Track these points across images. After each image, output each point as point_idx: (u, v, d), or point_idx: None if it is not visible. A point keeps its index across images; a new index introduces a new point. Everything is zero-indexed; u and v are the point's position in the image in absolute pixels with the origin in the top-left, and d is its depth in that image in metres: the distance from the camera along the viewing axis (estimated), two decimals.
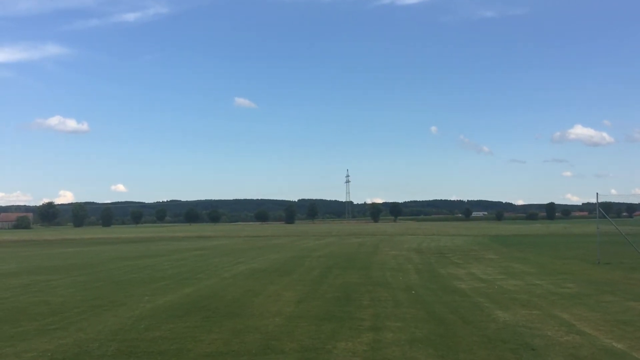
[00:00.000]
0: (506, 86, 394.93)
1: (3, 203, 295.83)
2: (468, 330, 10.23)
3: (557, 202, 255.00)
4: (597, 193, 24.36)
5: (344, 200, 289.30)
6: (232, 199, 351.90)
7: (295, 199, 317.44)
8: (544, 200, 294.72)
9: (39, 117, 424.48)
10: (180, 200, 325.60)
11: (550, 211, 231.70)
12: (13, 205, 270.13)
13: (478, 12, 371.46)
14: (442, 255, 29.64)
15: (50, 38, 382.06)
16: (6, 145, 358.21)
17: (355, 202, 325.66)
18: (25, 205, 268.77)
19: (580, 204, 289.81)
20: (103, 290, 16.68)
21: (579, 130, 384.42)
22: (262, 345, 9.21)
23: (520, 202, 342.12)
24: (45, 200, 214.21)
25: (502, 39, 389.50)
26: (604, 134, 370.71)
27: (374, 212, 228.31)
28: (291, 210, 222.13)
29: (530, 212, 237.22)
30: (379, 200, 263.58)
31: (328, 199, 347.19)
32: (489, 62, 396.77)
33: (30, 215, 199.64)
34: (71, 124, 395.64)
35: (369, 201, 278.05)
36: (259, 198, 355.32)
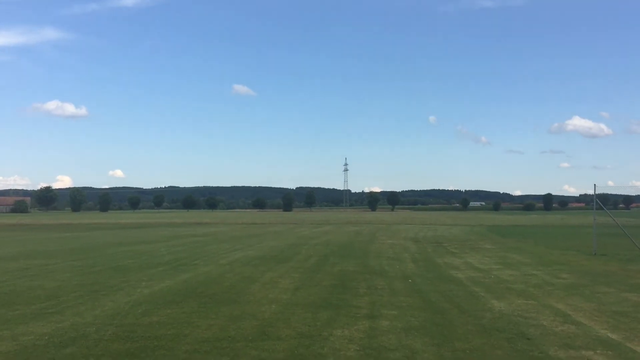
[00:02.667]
0: (505, 77, 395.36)
1: (1, 187, 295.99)
2: (464, 319, 10.28)
3: (554, 193, 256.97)
4: (594, 184, 24.66)
5: (341, 188, 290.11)
6: (230, 186, 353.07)
7: (293, 186, 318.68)
8: (542, 191, 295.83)
9: (37, 101, 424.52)
10: (178, 187, 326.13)
11: (548, 202, 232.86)
12: (11, 189, 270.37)
13: (477, 1, 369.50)
14: (439, 245, 29.73)
15: (48, 22, 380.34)
16: (4, 129, 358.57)
17: (353, 191, 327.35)
18: (23, 190, 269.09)
19: (578, 195, 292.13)
20: (100, 275, 16.70)
21: (577, 122, 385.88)
22: (258, 332, 9.24)
23: (517, 193, 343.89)
24: (43, 185, 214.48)
25: (501, 29, 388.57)
26: (602, 126, 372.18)
27: (372, 200, 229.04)
28: (289, 198, 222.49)
29: (527, 203, 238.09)
30: (377, 189, 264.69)
31: (326, 187, 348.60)
32: (487, 52, 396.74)
33: (27, 199, 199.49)
34: (69, 108, 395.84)
35: (366, 190, 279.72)
36: (257, 185, 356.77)
